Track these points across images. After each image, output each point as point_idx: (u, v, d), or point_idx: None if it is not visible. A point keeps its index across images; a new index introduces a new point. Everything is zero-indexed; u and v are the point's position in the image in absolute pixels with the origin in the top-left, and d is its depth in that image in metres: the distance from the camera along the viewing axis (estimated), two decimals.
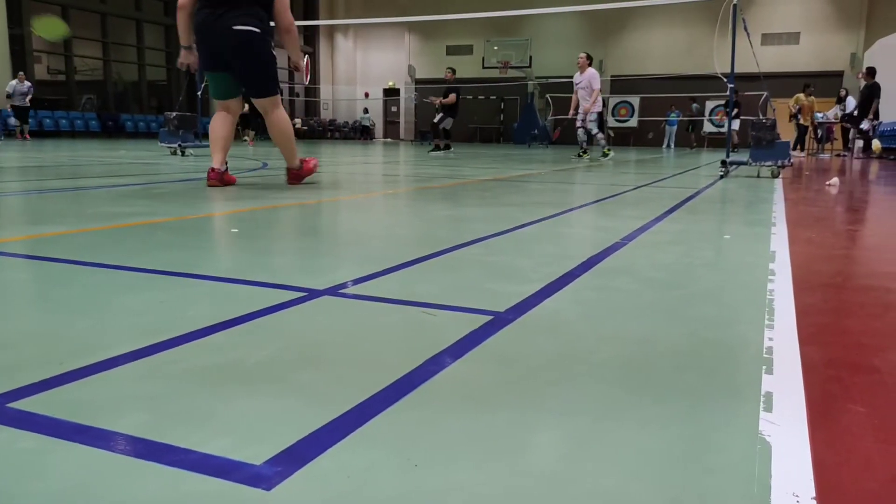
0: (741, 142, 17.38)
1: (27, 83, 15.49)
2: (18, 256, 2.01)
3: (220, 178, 4.35)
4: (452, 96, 11.98)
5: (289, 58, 4.58)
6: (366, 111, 27.88)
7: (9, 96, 15.26)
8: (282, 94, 4.62)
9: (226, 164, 4.50)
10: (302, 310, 1.42)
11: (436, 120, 12.26)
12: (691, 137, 21.33)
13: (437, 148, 12.15)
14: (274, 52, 4.32)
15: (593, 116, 10.45)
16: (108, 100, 20.96)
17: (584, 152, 10.74)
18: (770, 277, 1.83)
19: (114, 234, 2.39)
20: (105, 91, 20.95)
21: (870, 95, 13.07)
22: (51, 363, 1.05)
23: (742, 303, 1.58)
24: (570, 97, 10.75)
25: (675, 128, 21.10)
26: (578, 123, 10.62)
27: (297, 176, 4.61)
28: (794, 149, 15.37)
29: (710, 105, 21.88)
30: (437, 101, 12.21)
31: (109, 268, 1.81)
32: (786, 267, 1.98)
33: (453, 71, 12.56)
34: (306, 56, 5.08)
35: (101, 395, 0.94)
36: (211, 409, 0.90)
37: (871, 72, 13.30)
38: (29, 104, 15.48)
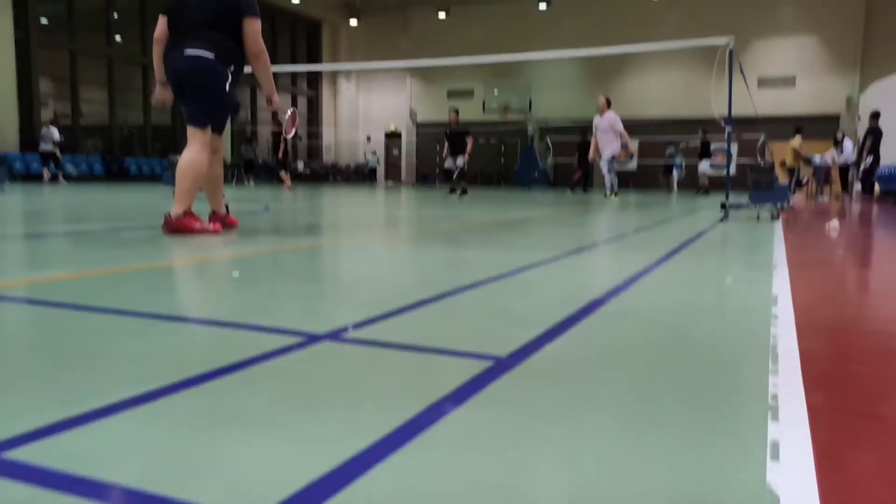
0: (711, 185, 17.24)
1: (54, 129, 16.07)
2: (17, 301, 2.01)
3: (221, 223, 4.28)
4: (470, 142, 12.06)
5: (268, 97, 4.33)
6: (374, 153, 28.05)
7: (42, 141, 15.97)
8: (218, 133, 4.23)
9: (226, 206, 4.45)
10: (301, 355, 1.41)
11: (459, 164, 12.20)
12: (663, 181, 21.23)
13: (463, 192, 12.03)
14: (228, 88, 4.07)
15: (609, 157, 10.59)
16: (113, 143, 21.20)
17: (615, 194, 10.77)
18: (773, 321, 1.81)
19: (112, 279, 2.39)
20: (110, 135, 21.21)
21: (876, 138, 13.25)
22: (45, 411, 1.04)
23: (746, 347, 1.57)
24: (571, 140, 10.90)
25: (681, 171, 21.23)
26: (605, 166, 10.78)
27: (170, 226, 3.90)
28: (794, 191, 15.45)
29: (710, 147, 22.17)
30: (466, 157, 12.16)
31: (108, 312, 1.81)
32: (788, 311, 1.97)
33: (457, 112, 12.62)
34: (292, 109, 5.01)
35: (96, 443, 0.93)
36: (208, 459, 0.88)
37: (877, 115, 13.50)
38: (57, 150, 16.06)
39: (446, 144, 12.34)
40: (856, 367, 1.46)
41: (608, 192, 10.73)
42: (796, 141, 15.84)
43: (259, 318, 1.74)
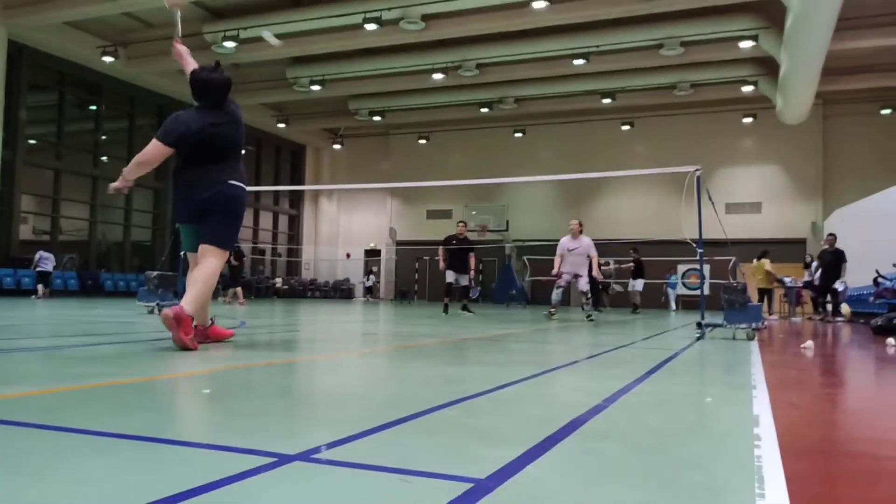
0: (642, 303, 17.32)
1: (50, 255, 17.35)
2: None
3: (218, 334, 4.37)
4: (473, 260, 11.99)
5: None
6: (373, 272, 27.67)
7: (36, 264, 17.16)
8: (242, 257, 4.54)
9: (211, 319, 4.44)
10: (271, 477, 1.35)
11: (463, 283, 12.00)
12: (603, 298, 21.36)
13: (465, 308, 11.72)
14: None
15: (587, 279, 10.62)
16: (90, 259, 21.14)
17: (554, 313, 10.58)
18: (756, 443, 1.78)
19: (80, 396, 2.31)
20: (88, 250, 21.19)
21: (838, 261, 13.47)
22: None
23: (730, 469, 1.53)
24: (548, 259, 11.00)
25: (675, 290, 21.47)
26: (562, 283, 10.70)
27: (178, 315, 3.79)
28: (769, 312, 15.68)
29: (682, 268, 22.57)
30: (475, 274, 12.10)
31: (72, 431, 1.73)
32: (771, 432, 1.94)
33: (465, 224, 12.70)
34: None
35: None
36: None
37: (835, 238, 13.99)
38: (51, 269, 17.38)
39: (446, 255, 11.97)
40: (843, 491, 1.43)
41: (589, 312, 10.68)
42: (768, 264, 16.26)
43: (228, 438, 1.67)
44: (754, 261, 16.64)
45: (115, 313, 8.79)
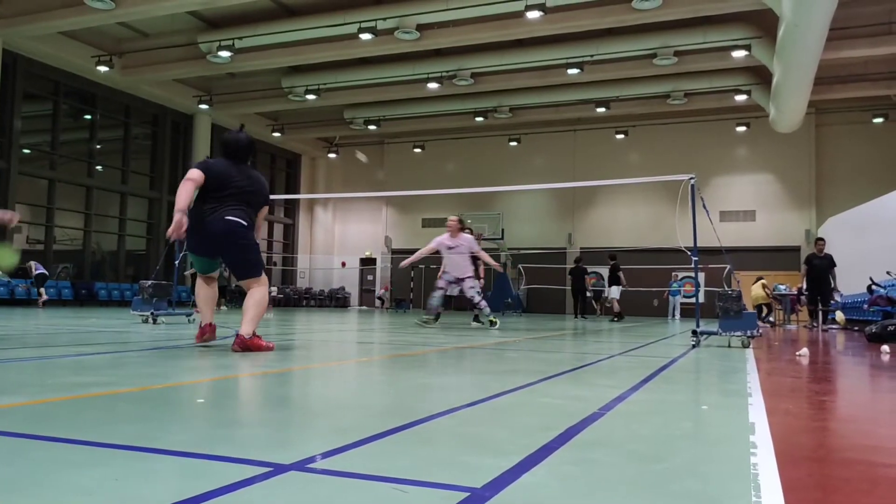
0: (623, 311, 17.14)
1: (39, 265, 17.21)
2: None
3: (214, 331, 4.97)
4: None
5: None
6: (386, 288, 27.63)
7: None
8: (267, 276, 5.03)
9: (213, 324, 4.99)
10: (265, 487, 1.34)
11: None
12: (597, 307, 21.40)
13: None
14: (256, 241, 4.93)
15: (474, 283, 9.66)
16: (85, 268, 21.06)
17: (435, 319, 9.58)
18: (752, 450, 1.78)
19: (72, 406, 2.29)
20: (82, 260, 21.11)
21: (829, 266, 13.04)
22: None
23: (727, 477, 1.53)
24: (543, 268, 10.79)
25: (678, 298, 21.52)
26: (441, 284, 9.65)
27: (243, 344, 4.51)
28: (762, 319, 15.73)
29: (681, 275, 22.74)
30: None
31: (63, 442, 1.71)
32: (767, 439, 1.94)
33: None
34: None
35: None
36: None
37: (825, 243, 13.81)
38: (45, 273, 17.30)
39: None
40: (839, 498, 1.43)
41: (490, 319, 9.58)
42: (760, 288, 16.81)
43: (222, 448, 1.66)
44: (752, 286, 17.07)
45: (109, 322, 8.75)
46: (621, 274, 16.97)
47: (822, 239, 13.87)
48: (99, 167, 21.85)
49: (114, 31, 18.96)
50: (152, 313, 8.34)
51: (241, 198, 4.71)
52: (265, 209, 5.05)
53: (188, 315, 9.16)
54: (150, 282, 8.74)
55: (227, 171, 4.73)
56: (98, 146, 21.97)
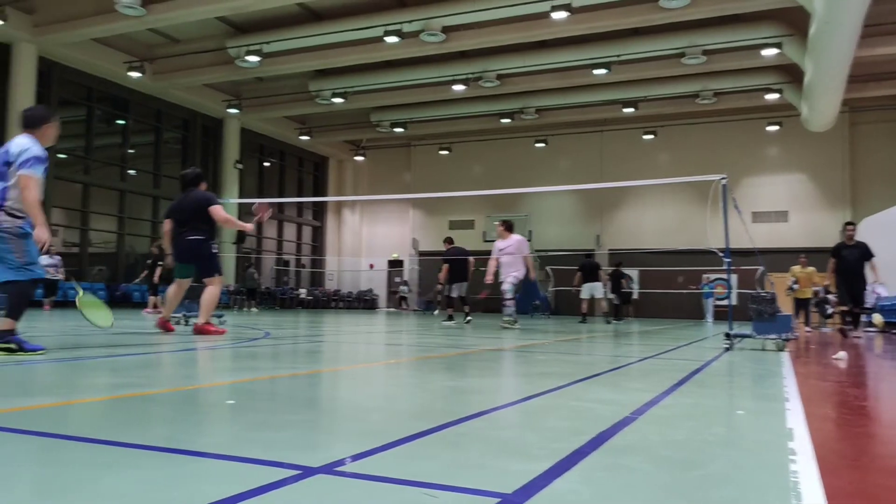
0: (624, 313, 16.63)
1: (56, 257, 15.48)
2: (2, 430, 1.93)
3: (165, 325, 6.62)
4: (445, 268, 11.87)
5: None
6: (405, 283, 27.93)
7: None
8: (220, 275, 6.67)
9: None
10: (295, 490, 1.33)
11: (446, 293, 12.02)
12: (628, 310, 20.73)
13: (449, 318, 11.60)
14: (214, 250, 6.64)
15: (514, 280, 10.25)
16: (118, 271, 21.44)
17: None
18: (791, 457, 1.73)
19: (105, 407, 2.31)
20: (116, 262, 21.49)
21: (863, 257, 10.20)
22: None
23: (765, 485, 1.48)
24: (571, 269, 10.85)
25: (710, 300, 21.15)
26: (507, 287, 10.31)
27: (199, 330, 6.34)
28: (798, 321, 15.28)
29: (711, 278, 22.47)
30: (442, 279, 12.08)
31: (97, 443, 1.73)
32: (807, 446, 1.88)
33: (451, 241, 12.38)
34: (262, 213, 6.57)
35: None
36: None
37: (855, 229, 10.88)
38: (59, 276, 15.33)
39: (445, 270, 11.93)
40: None
41: (510, 320, 10.20)
42: (806, 270, 15.48)
43: (252, 450, 1.66)
44: (796, 268, 15.65)
45: (142, 325, 8.88)
46: (624, 281, 16.79)
47: (852, 223, 11.06)
48: (131, 171, 22.23)
49: (144, 38, 19.27)
50: (185, 315, 8.45)
51: (191, 217, 6.46)
52: (214, 209, 6.44)
53: (219, 317, 9.26)
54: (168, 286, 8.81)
55: (179, 205, 6.68)
56: (130, 150, 22.35)
